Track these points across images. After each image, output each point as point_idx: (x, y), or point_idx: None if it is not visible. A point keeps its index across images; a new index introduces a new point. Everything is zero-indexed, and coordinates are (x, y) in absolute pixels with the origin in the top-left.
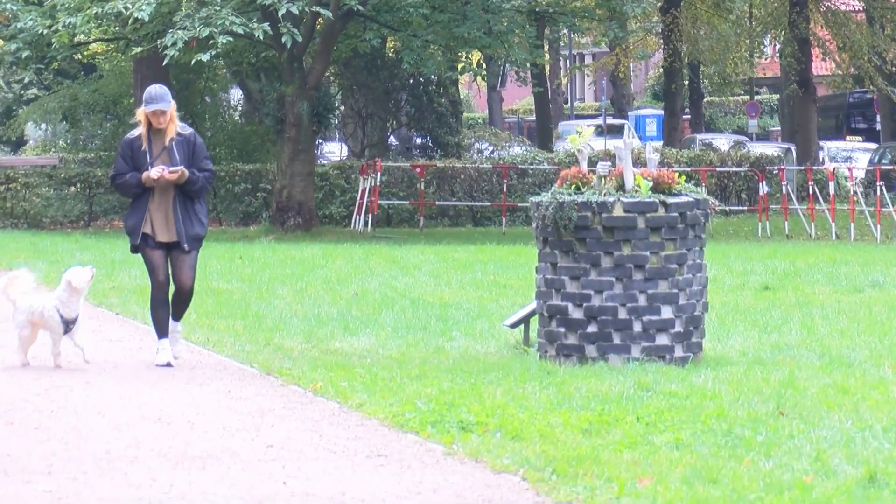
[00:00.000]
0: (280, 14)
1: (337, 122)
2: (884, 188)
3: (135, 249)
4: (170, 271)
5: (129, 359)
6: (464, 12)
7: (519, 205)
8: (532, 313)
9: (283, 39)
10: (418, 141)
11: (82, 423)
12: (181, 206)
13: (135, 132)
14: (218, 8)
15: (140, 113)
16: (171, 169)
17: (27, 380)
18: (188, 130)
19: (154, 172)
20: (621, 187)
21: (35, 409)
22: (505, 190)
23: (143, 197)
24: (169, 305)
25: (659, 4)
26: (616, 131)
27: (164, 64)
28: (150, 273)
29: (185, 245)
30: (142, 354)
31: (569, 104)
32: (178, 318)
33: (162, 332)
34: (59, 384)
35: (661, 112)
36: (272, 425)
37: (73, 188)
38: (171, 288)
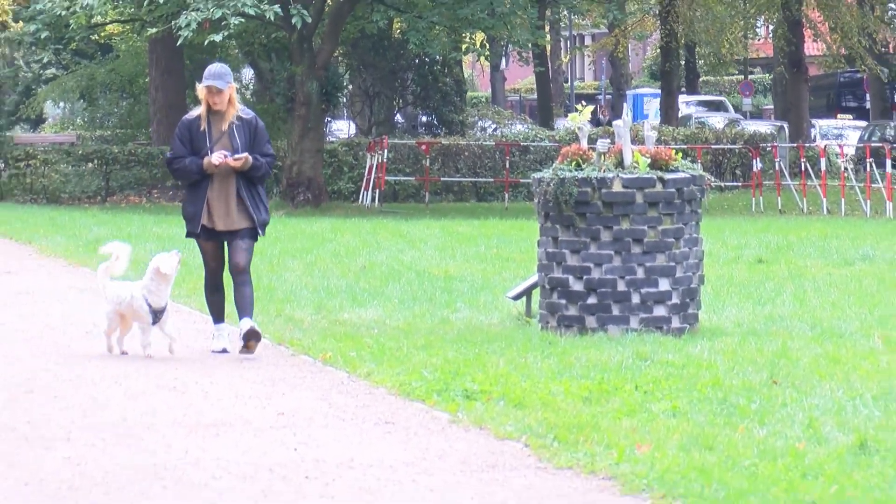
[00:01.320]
0: None
1: (345, 100)
2: (873, 164)
3: (190, 234)
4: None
5: None
6: None
7: (521, 181)
8: (534, 285)
9: (294, 21)
10: (423, 119)
11: (100, 392)
12: (247, 193)
13: (193, 112)
14: None
15: (200, 90)
16: (236, 157)
17: (47, 350)
18: (249, 114)
19: (216, 158)
20: (620, 164)
21: (55, 378)
22: (507, 166)
23: (202, 183)
24: (223, 290)
25: None
26: (714, 107)
27: (178, 44)
28: (204, 262)
29: (260, 231)
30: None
31: (569, 83)
32: (248, 313)
33: (218, 316)
34: (78, 354)
35: (659, 91)
36: (283, 394)
37: (90, 164)
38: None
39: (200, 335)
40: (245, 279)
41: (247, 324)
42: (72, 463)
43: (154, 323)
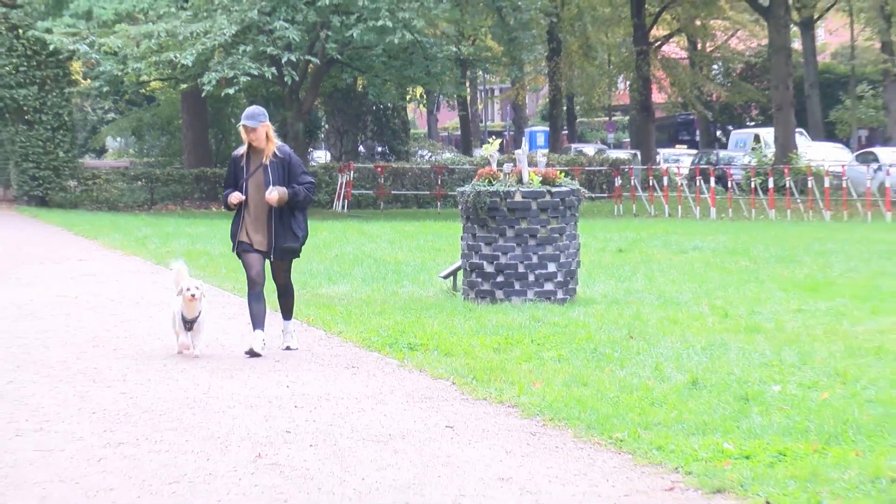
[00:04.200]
0: (283, 61)
1: (322, 136)
2: (701, 181)
3: (235, 251)
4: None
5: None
6: (410, 59)
7: (449, 193)
8: (459, 268)
9: (286, 79)
10: (379, 149)
11: (147, 346)
12: (277, 219)
13: (240, 150)
14: (240, 56)
15: (241, 129)
16: (268, 196)
17: (108, 316)
18: (286, 151)
19: (233, 198)
20: (520, 181)
21: (112, 336)
22: (439, 183)
23: (241, 208)
24: (264, 300)
25: (546, 54)
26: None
27: (202, 96)
28: (246, 270)
29: (271, 256)
30: None
31: (483, 123)
32: (287, 316)
33: (256, 324)
34: (130, 318)
35: (548, 128)
36: (278, 347)
37: (139, 182)
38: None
39: (214, 303)
40: (285, 290)
41: (287, 334)
42: (127, 397)
43: (187, 330)
